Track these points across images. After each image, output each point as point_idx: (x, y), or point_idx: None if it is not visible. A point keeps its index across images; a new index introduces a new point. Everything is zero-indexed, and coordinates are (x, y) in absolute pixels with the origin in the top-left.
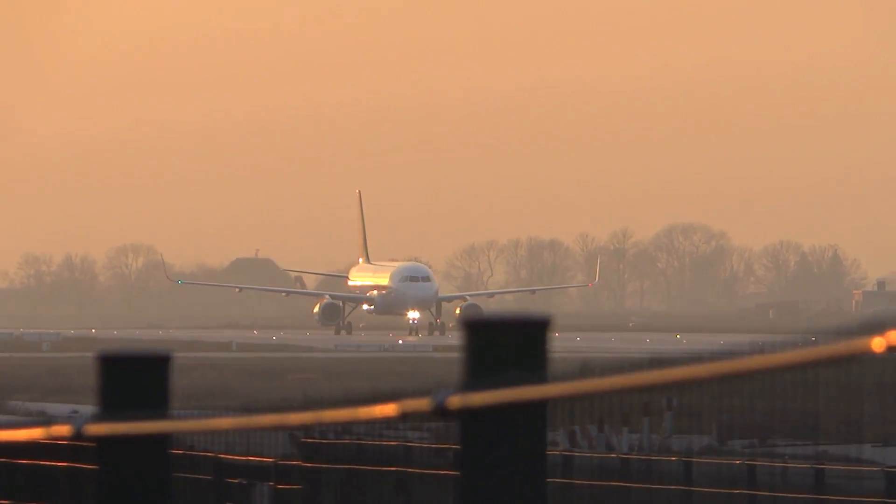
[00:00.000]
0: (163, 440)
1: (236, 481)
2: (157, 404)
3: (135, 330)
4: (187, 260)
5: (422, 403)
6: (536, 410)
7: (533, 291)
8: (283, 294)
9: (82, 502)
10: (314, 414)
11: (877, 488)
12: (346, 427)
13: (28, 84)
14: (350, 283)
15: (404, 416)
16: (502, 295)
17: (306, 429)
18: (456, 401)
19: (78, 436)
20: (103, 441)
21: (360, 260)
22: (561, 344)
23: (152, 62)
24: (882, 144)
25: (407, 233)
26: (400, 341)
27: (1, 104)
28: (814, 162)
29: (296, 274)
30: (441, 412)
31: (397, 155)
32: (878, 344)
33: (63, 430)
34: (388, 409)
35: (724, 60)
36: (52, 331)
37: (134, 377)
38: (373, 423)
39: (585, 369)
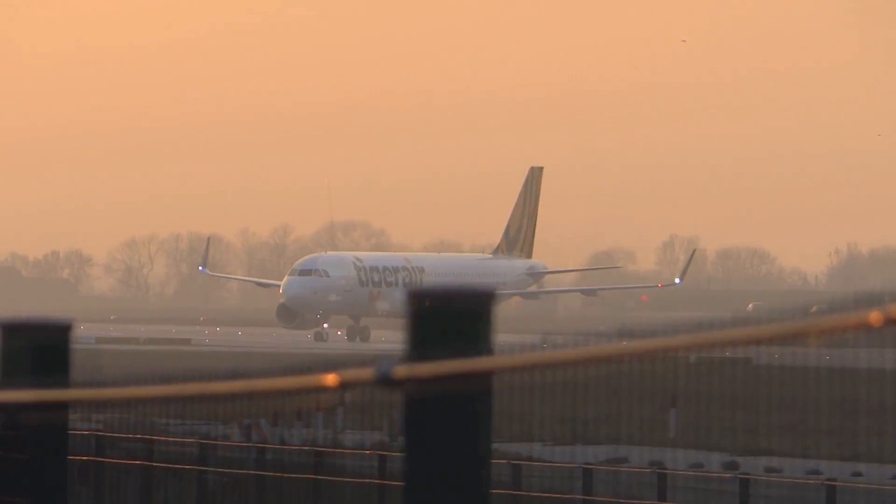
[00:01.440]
0: (62, 409)
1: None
2: (57, 373)
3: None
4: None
5: (365, 373)
6: (482, 382)
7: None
8: (255, 286)
9: None
10: (245, 383)
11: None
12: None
13: None
14: None
15: (344, 386)
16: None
17: (235, 400)
18: (402, 371)
19: None
20: None
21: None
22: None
23: (61, 55)
24: (808, 137)
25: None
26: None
27: None
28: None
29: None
30: (385, 383)
31: (295, 149)
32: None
33: None
34: (328, 379)
35: (632, 53)
36: None
37: (34, 346)
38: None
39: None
